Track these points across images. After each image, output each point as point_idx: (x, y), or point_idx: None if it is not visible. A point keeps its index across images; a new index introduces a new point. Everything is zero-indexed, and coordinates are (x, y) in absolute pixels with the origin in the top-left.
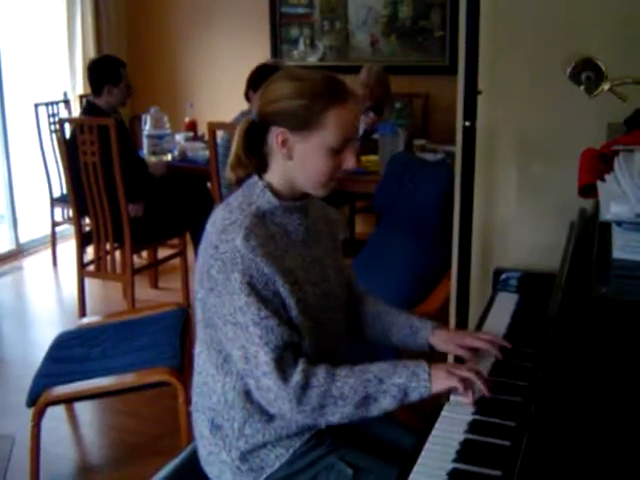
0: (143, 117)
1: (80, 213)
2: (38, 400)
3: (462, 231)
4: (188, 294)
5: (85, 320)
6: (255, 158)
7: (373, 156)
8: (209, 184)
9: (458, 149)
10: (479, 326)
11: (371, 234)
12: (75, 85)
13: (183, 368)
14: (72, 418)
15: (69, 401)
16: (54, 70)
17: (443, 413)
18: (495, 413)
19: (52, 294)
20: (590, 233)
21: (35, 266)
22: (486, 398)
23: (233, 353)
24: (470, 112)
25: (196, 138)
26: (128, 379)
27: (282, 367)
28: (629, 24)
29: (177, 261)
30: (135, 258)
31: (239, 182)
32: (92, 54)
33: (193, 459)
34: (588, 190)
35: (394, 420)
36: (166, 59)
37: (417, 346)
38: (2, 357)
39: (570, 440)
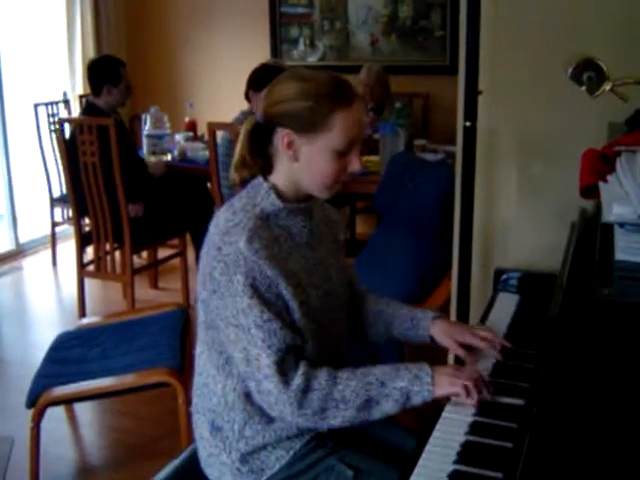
0: (143, 117)
1: (80, 213)
2: (38, 401)
3: (463, 231)
4: (188, 294)
5: (85, 320)
6: (260, 159)
7: (373, 156)
8: (209, 184)
9: (459, 149)
10: None
11: (372, 234)
12: (75, 85)
13: (183, 369)
14: (72, 418)
15: (69, 402)
16: (54, 70)
17: (444, 414)
18: (496, 415)
19: (52, 294)
20: (591, 234)
21: (35, 266)
22: (487, 401)
23: (235, 355)
24: (471, 112)
25: (196, 138)
26: (128, 380)
27: (283, 370)
28: (630, 24)
29: (177, 261)
30: (135, 258)
31: (243, 183)
32: (92, 54)
33: (193, 460)
34: (590, 191)
35: (395, 422)
36: (166, 59)
37: (418, 338)
38: (1, 357)
39: (572, 442)
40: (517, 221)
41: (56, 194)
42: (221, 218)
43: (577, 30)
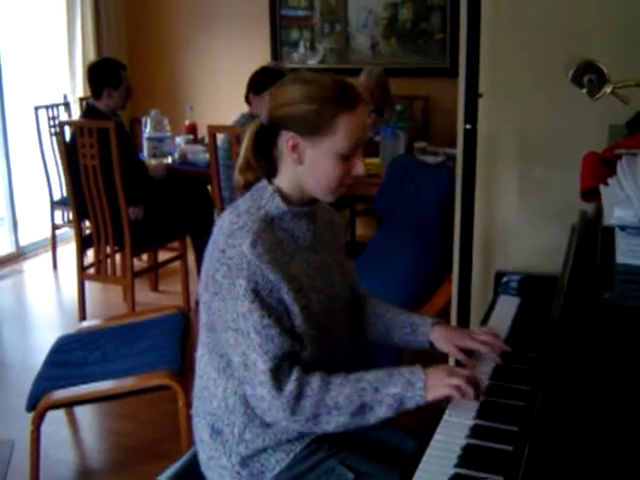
0: (143, 120)
1: (80, 216)
2: (38, 404)
3: (463, 234)
4: (188, 297)
5: (85, 323)
6: (264, 162)
7: (374, 159)
8: (209, 187)
9: (459, 152)
10: None
11: (372, 237)
12: (75, 88)
13: (183, 372)
14: (72, 422)
15: (69, 405)
16: (54, 73)
17: (445, 417)
18: (497, 418)
19: (52, 297)
20: (592, 237)
21: (35, 269)
22: (479, 401)
23: (233, 359)
24: (471, 115)
25: (196, 141)
26: (128, 383)
27: (278, 377)
28: (630, 27)
29: (177, 264)
30: (135, 261)
31: (247, 186)
32: (92, 57)
33: (193, 463)
34: (590, 194)
35: (395, 424)
36: (166, 62)
37: (418, 344)
38: (2, 360)
39: (573, 445)
40: (517, 223)
41: (56, 197)
42: (225, 220)
43: (577, 32)
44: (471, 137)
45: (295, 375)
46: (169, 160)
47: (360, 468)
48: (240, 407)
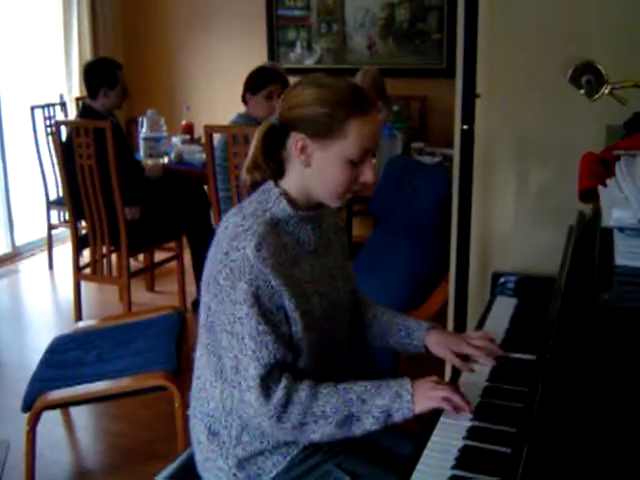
0: (140, 120)
1: (76, 216)
2: (33, 405)
3: (460, 235)
4: (185, 297)
5: (81, 324)
6: (273, 162)
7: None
8: (206, 187)
9: (456, 153)
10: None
11: (368, 237)
12: (71, 88)
13: (179, 372)
14: (68, 422)
15: (65, 405)
16: (50, 72)
17: (442, 419)
18: (494, 419)
19: (48, 297)
20: (590, 238)
21: (31, 269)
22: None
23: (225, 362)
24: (468, 116)
25: (193, 141)
26: (124, 383)
27: (267, 384)
28: (629, 28)
29: (173, 264)
30: (131, 261)
31: (254, 186)
32: (88, 56)
33: (190, 464)
34: (588, 195)
35: (392, 427)
36: (163, 61)
37: (413, 348)
38: None
39: (571, 447)
40: (514, 224)
41: (52, 197)
42: (230, 222)
43: (576, 33)
44: (468, 138)
45: (284, 383)
46: (165, 160)
47: (357, 471)
48: (237, 409)
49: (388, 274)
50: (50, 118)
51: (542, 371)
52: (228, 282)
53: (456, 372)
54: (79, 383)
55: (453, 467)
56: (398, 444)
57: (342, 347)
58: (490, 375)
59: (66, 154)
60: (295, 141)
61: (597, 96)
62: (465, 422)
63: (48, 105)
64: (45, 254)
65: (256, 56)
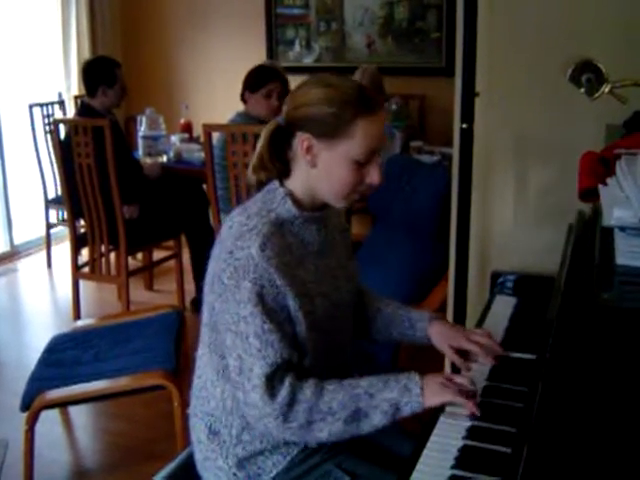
0: (138, 118)
1: (75, 215)
2: (32, 404)
3: (459, 234)
4: (183, 296)
5: (79, 323)
6: (278, 162)
7: None
8: (204, 186)
9: (455, 152)
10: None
11: (367, 236)
12: (70, 86)
13: (178, 371)
14: (66, 421)
15: (63, 405)
16: (49, 71)
17: (442, 419)
18: (494, 419)
19: (46, 296)
20: (589, 237)
21: (29, 268)
22: (476, 416)
23: (229, 362)
24: (467, 114)
25: (191, 139)
26: (123, 382)
27: (272, 383)
28: (629, 26)
29: (172, 263)
30: (130, 260)
31: (259, 185)
32: (87, 55)
33: (189, 463)
34: (588, 194)
35: (392, 426)
36: (161, 60)
37: (416, 339)
38: None
39: (571, 447)
40: (514, 223)
41: (51, 195)
42: (235, 221)
43: (575, 31)
44: (467, 136)
45: (288, 382)
46: (164, 159)
47: (356, 471)
48: (238, 409)
49: (387, 272)
50: (49, 116)
51: (542, 371)
52: (232, 281)
53: (455, 368)
54: (77, 382)
55: (453, 467)
56: (398, 444)
57: (345, 347)
58: (490, 374)
59: (64, 152)
60: (301, 141)
61: (597, 95)
62: (465, 422)
63: (47, 103)
64: (43, 253)
65: (255, 55)
